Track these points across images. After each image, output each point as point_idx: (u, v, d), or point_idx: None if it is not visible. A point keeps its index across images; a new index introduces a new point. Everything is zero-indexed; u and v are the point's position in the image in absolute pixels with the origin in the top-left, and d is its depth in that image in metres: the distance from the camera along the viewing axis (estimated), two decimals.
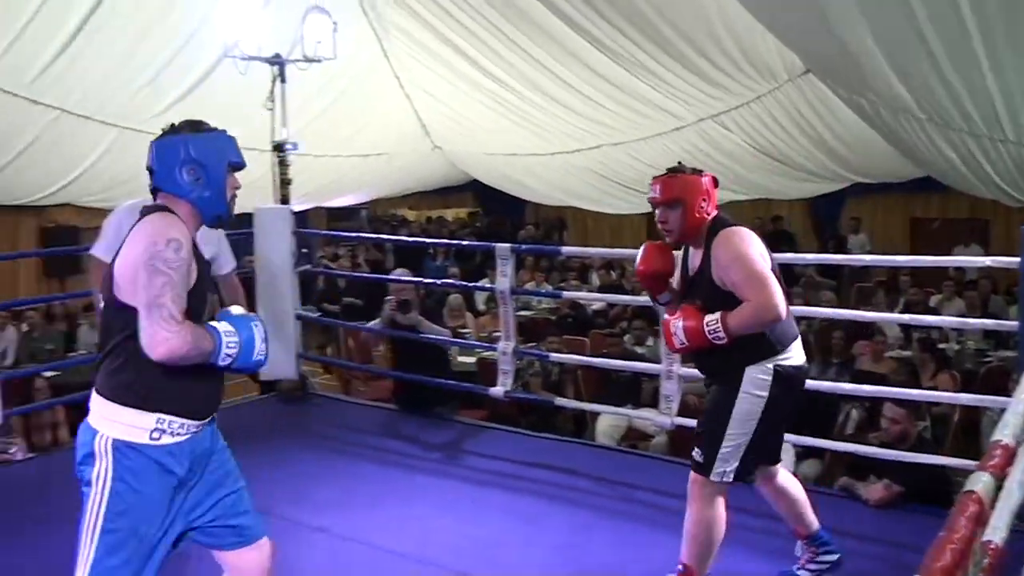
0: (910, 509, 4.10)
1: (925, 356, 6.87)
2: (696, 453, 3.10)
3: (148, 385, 2.22)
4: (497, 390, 5.25)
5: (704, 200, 3.07)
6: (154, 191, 2.38)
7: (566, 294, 7.97)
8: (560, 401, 5.76)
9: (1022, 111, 6.95)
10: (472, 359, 7.58)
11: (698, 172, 3.16)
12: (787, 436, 4.41)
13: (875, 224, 13.85)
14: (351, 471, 4.76)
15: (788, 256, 5.61)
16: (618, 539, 3.86)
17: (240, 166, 2.43)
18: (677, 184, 3.10)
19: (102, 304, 2.36)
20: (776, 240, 12.93)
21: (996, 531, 1.72)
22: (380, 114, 11.70)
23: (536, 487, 4.47)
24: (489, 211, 17.01)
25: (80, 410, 2.37)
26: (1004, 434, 1.57)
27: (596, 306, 9.62)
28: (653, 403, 5.26)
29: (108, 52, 8.43)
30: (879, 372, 6.57)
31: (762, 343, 2.98)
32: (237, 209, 2.54)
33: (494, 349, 5.43)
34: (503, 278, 5.19)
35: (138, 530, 2.22)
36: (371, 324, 6.22)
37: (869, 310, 7.71)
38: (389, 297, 5.84)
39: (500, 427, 5.60)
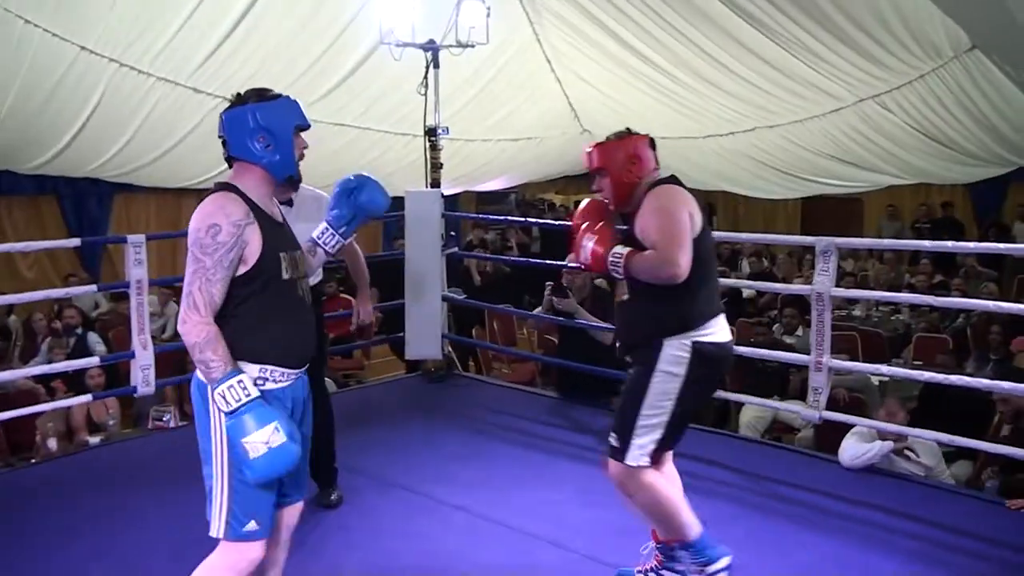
0: None
1: None
2: (612, 438, 3.00)
3: (250, 340, 2.43)
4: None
5: (632, 163, 3.02)
6: (228, 159, 2.55)
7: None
8: None
9: None
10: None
11: (632, 135, 3.12)
12: (938, 435, 4.24)
13: None
14: (494, 452, 4.83)
15: (948, 244, 5.30)
16: (756, 534, 3.77)
17: (305, 127, 2.59)
18: (599, 152, 3.09)
19: None
20: (945, 228, 12.40)
21: None
22: (530, 98, 11.75)
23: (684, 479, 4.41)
24: None
25: None
26: None
27: (746, 294, 9.42)
28: (800, 395, 5.12)
29: (268, 41, 8.75)
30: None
31: (679, 316, 2.90)
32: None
33: None
34: None
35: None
36: (536, 311, 6.20)
37: None
38: (550, 283, 5.82)
39: None
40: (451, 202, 6.46)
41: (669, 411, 2.94)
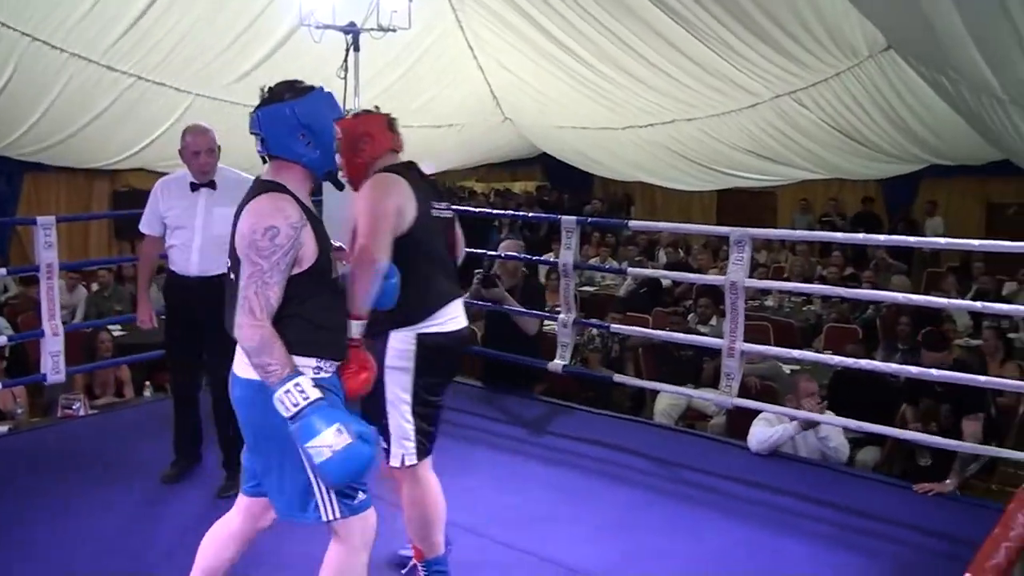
0: (964, 501, 4.04)
1: (994, 344, 6.63)
2: (381, 440, 2.93)
3: (311, 336, 2.41)
4: (555, 364, 5.23)
5: (364, 142, 2.98)
6: (264, 156, 2.49)
7: (631, 270, 7.88)
8: (619, 378, 5.69)
9: None
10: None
11: (369, 114, 3.09)
12: (846, 421, 4.36)
13: (950, 208, 13.47)
14: None
15: (859, 237, 5.45)
16: (668, 520, 3.84)
17: (340, 118, 2.58)
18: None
19: (230, 272, 2.45)
20: (863, 222, 12.77)
21: None
22: (452, 85, 11.70)
23: (590, 464, 4.46)
24: (557, 185, 16.96)
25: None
26: None
27: (663, 283, 9.53)
28: (714, 383, 5.20)
29: (185, 19, 8.55)
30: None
31: (402, 310, 2.82)
32: None
33: (554, 319, 5.39)
34: (567, 251, 5.16)
35: None
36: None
37: (939, 296, 7.47)
38: (479, 271, 5.80)
39: (557, 402, 5.55)
40: None
41: (410, 406, 2.91)
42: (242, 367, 2.42)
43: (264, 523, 2.71)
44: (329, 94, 2.53)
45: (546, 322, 5.81)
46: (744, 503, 4.00)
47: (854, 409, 4.63)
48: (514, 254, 5.89)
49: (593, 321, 6.16)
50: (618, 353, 7.20)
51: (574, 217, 5.24)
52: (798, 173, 11.87)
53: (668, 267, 10.39)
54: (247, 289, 2.30)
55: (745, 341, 4.63)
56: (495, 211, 10.64)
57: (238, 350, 2.41)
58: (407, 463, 2.94)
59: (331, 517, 2.44)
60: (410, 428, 2.92)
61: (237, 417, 2.50)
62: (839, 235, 6.80)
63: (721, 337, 4.76)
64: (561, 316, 5.28)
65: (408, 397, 2.90)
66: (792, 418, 4.57)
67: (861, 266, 10.48)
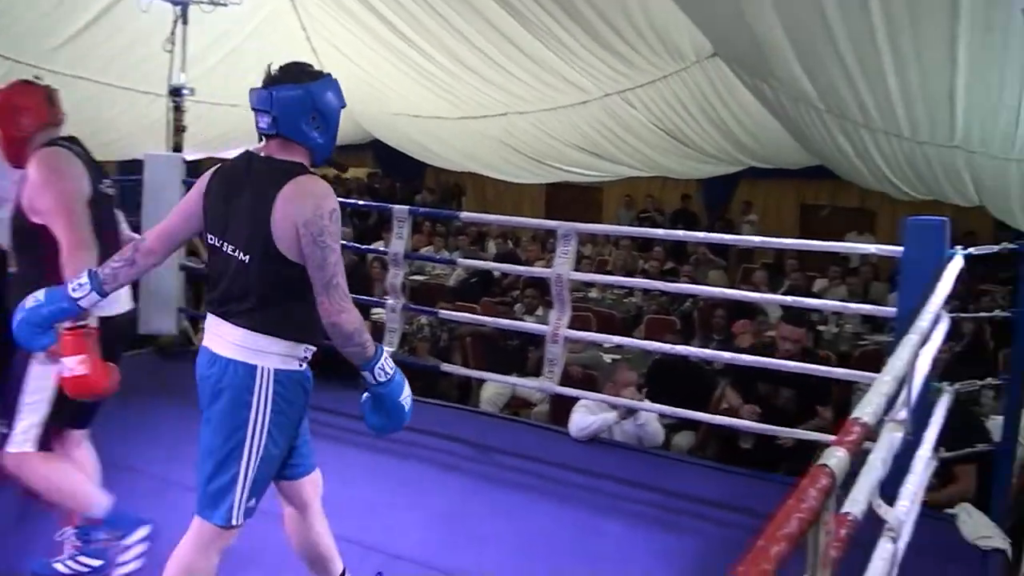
0: (777, 481, 4.29)
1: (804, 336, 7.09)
2: (2, 425, 2.88)
3: (304, 320, 2.45)
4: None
5: (23, 115, 2.85)
6: (267, 135, 2.47)
7: (461, 261, 7.94)
8: (446, 367, 5.74)
9: (919, 111, 7.23)
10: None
11: (24, 83, 2.95)
12: (661, 408, 4.55)
13: (766, 208, 14.30)
14: None
15: (680, 233, 5.71)
16: (494, 505, 3.92)
17: (344, 107, 2.59)
18: None
19: (237, 252, 2.41)
20: (682, 218, 13.33)
21: (855, 504, 1.81)
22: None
23: (416, 452, 4.49)
24: (388, 172, 16.86)
25: None
26: (865, 412, 1.63)
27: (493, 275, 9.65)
28: (538, 372, 5.32)
29: None
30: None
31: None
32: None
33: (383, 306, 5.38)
34: (399, 240, 5.15)
35: (280, 446, 2.51)
36: None
37: (750, 290, 7.91)
38: None
39: None
40: (193, 169, 6.16)
41: (49, 393, 2.84)
42: (232, 349, 2.41)
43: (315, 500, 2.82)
44: (336, 82, 2.55)
45: (374, 310, 5.79)
46: (566, 487, 4.14)
47: (671, 396, 4.83)
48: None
49: (421, 307, 6.18)
50: (446, 342, 7.26)
51: (406, 207, 5.24)
52: (624, 170, 12.22)
53: (497, 258, 10.55)
54: (334, 275, 2.35)
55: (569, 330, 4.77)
56: None
57: (231, 333, 2.40)
58: (24, 448, 2.86)
59: (237, 521, 2.46)
60: (40, 415, 2.86)
61: (206, 397, 2.48)
62: (659, 231, 7.10)
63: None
64: (389, 302, 5.28)
65: (49, 383, 2.82)
66: (612, 406, 4.75)
67: (681, 261, 10.94)
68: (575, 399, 4.90)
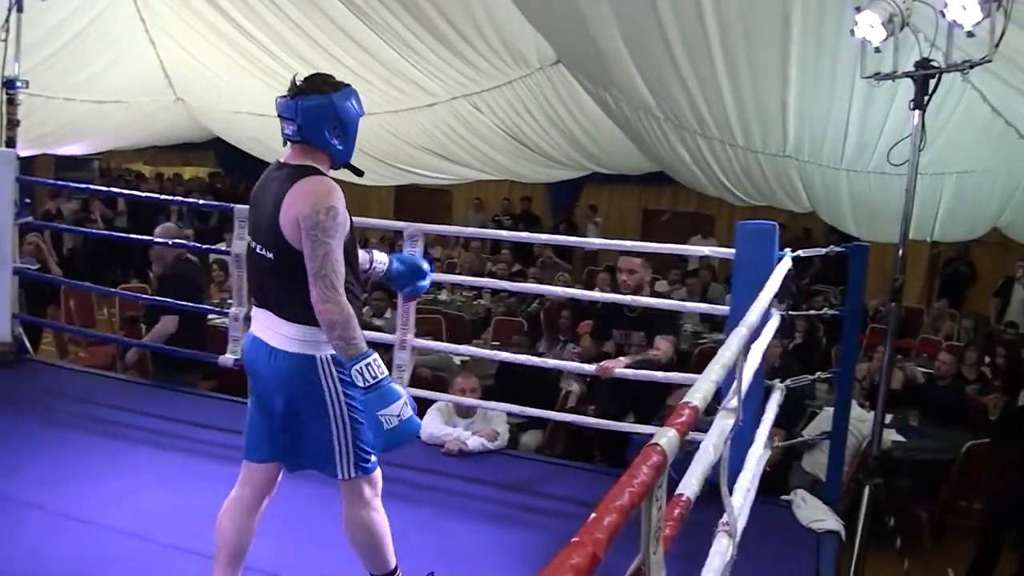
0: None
1: None
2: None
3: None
4: (226, 358, 5.10)
5: None
6: (291, 141, 2.72)
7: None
8: None
9: (752, 121, 7.63)
10: None
11: None
12: (511, 407, 4.65)
13: (610, 212, 14.75)
14: (70, 443, 4.49)
15: (525, 235, 5.84)
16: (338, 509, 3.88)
17: (362, 115, 2.82)
18: None
19: (264, 251, 2.68)
20: (524, 221, 13.55)
21: (688, 487, 1.92)
22: (121, 58, 10.96)
23: None
24: (231, 172, 16.47)
25: None
26: (695, 397, 1.74)
27: None
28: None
29: None
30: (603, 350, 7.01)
31: None
32: None
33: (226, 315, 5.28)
34: (240, 241, 5.04)
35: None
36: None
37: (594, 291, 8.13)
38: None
39: (230, 398, 5.40)
40: (26, 166, 5.88)
41: None
42: (284, 341, 2.67)
43: (271, 492, 2.98)
44: (356, 92, 2.77)
45: (212, 316, 5.67)
46: (414, 489, 4.14)
47: (518, 395, 4.93)
48: (163, 239, 5.73)
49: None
50: None
51: (247, 207, 5.12)
52: (472, 173, 12.35)
53: None
54: (324, 267, 2.53)
55: (419, 333, 4.81)
56: (164, 197, 10.11)
57: (275, 324, 2.68)
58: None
59: (346, 476, 2.77)
60: None
61: (262, 388, 2.75)
62: (504, 233, 7.26)
63: (395, 329, 4.89)
64: (233, 310, 5.17)
65: None
66: (461, 410, 4.82)
67: (528, 263, 11.14)
68: (427, 401, 4.93)
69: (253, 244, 2.75)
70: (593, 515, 1.10)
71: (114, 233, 9.82)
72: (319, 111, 2.66)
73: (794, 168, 8.49)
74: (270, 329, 2.71)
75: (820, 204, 9.55)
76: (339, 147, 2.73)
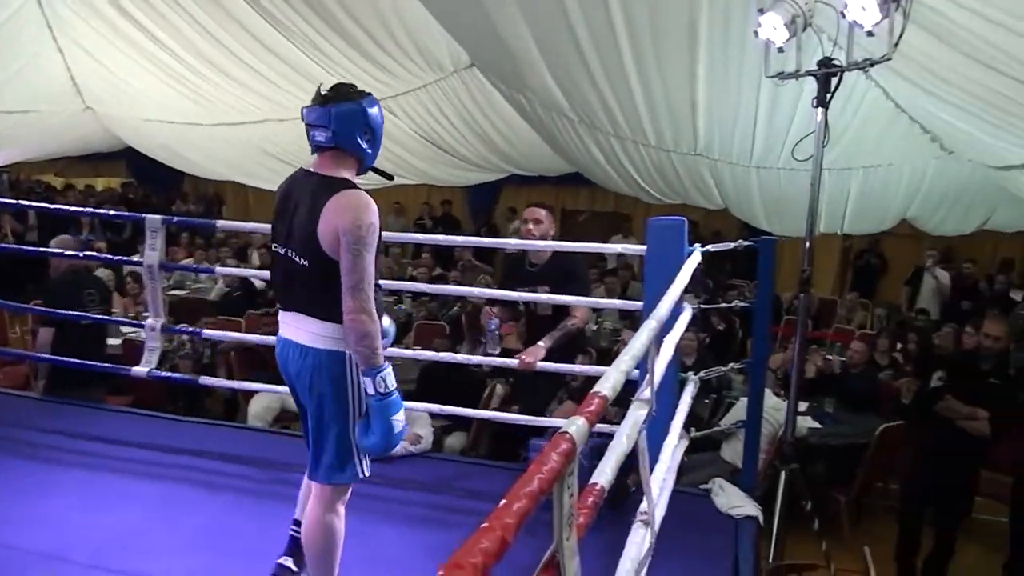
0: None
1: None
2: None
3: None
4: (140, 369, 5.00)
5: None
6: (322, 147, 2.81)
7: (219, 270, 7.68)
8: (205, 380, 5.37)
9: (663, 121, 7.78)
10: (118, 340, 7.21)
11: None
12: (432, 407, 4.66)
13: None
14: None
15: (442, 238, 5.86)
16: (264, 519, 3.84)
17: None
18: None
19: (299, 258, 2.78)
20: (444, 224, 13.57)
21: (602, 475, 1.98)
22: (28, 67, 10.71)
23: (180, 473, 4.35)
24: (143, 182, 16.15)
25: None
26: (604, 386, 1.79)
27: (258, 285, 9.48)
28: None
29: None
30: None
31: None
32: None
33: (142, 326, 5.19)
34: (152, 252, 4.96)
35: None
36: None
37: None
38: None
39: (146, 413, 5.35)
40: None
41: None
42: (316, 339, 2.79)
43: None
44: (377, 100, 2.90)
45: (125, 329, 5.55)
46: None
47: (441, 397, 4.95)
48: (62, 250, 5.63)
49: (183, 328, 5.98)
50: (210, 358, 7.08)
51: (159, 216, 5.06)
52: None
53: (263, 269, 10.35)
54: (361, 281, 2.66)
55: None
56: (74, 208, 9.85)
57: (306, 324, 2.79)
58: None
59: (364, 475, 2.89)
60: None
61: (299, 390, 2.89)
62: (420, 236, 7.28)
63: None
64: (149, 321, 5.08)
65: None
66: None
67: (449, 267, 11.17)
68: None
69: (283, 250, 2.84)
70: (503, 501, 1.14)
71: (23, 247, 9.58)
72: (352, 117, 2.77)
73: (705, 166, 8.69)
74: (301, 329, 2.83)
75: (732, 201, 9.79)
76: (368, 151, 2.85)
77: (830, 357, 7.98)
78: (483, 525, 1.07)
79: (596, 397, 1.68)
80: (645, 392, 2.42)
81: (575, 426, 1.44)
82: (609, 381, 1.82)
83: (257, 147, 11.94)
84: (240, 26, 8.83)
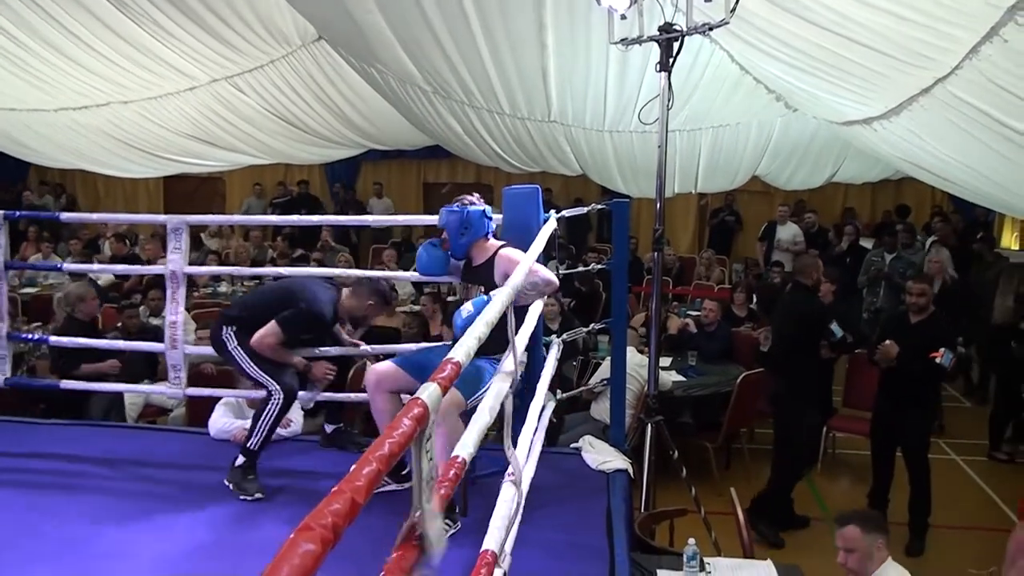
0: None
1: (432, 308, 7.60)
2: None
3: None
4: None
5: None
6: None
7: (66, 267, 7.37)
8: (66, 384, 5.26)
9: (516, 89, 7.88)
10: None
11: None
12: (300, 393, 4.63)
13: (389, 188, 14.83)
14: None
15: (295, 218, 5.81)
16: (133, 519, 3.77)
17: None
18: None
19: None
20: (303, 204, 13.41)
21: (464, 448, 2.06)
22: None
23: (44, 478, 4.23)
24: None
25: None
26: (458, 353, 1.86)
27: (104, 280, 9.21)
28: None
29: None
30: (392, 327, 7.13)
31: None
32: None
33: None
34: None
35: None
36: None
37: (381, 269, 8.22)
38: None
39: (8, 419, 5.12)
40: None
41: None
42: None
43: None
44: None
45: None
46: (209, 490, 4.08)
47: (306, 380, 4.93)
48: None
49: (30, 336, 5.73)
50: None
51: (15, 212, 4.86)
52: (242, 158, 12.07)
53: (113, 260, 10.06)
54: None
55: (198, 327, 4.72)
56: None
57: None
58: None
59: None
60: None
61: None
62: (274, 218, 7.19)
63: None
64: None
65: None
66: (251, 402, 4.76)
67: (310, 247, 11.07)
68: (214, 399, 4.87)
69: None
70: (356, 464, 1.21)
71: None
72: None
73: (561, 133, 8.85)
74: None
75: (589, 166, 10.00)
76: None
77: (691, 314, 8.33)
78: (334, 489, 1.13)
79: (449, 363, 1.76)
80: (507, 362, 2.50)
81: (427, 392, 1.51)
82: (463, 347, 1.89)
83: (102, 132, 11.46)
84: (79, 5, 8.47)
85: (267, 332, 4.11)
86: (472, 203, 4.06)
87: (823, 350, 6.10)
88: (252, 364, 4.16)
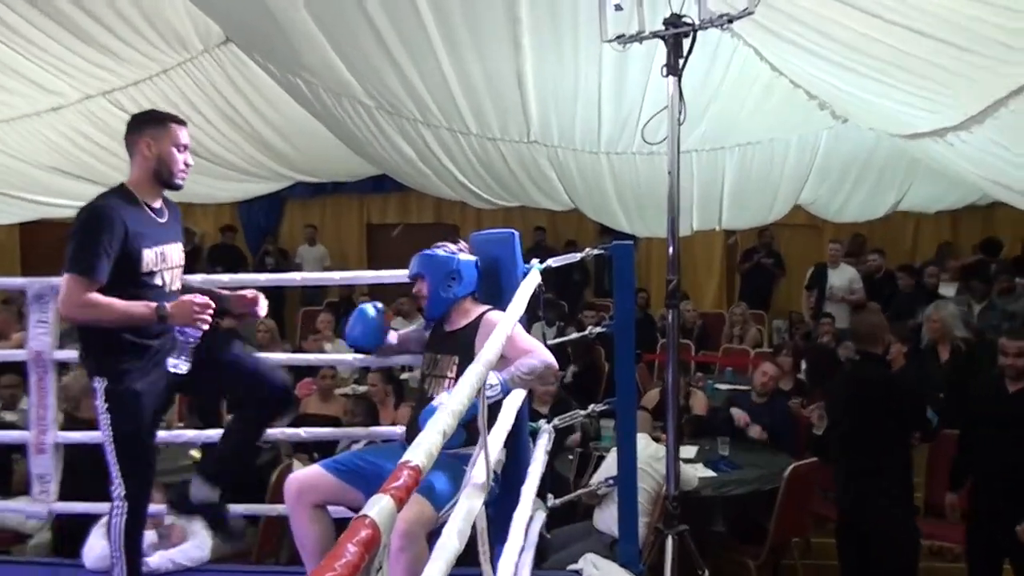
0: None
1: (386, 389, 7.53)
2: None
3: None
4: None
5: None
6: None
7: None
8: None
9: (485, 101, 7.86)
10: None
11: None
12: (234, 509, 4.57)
13: (324, 232, 14.74)
14: None
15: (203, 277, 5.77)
16: None
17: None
18: None
19: None
20: (222, 256, 13.33)
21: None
22: None
23: None
24: None
25: None
26: (416, 455, 1.82)
27: None
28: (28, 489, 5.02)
29: None
30: (329, 414, 7.11)
31: None
32: None
33: None
34: None
35: None
36: None
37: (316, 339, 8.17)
38: None
39: None
40: None
41: None
42: None
43: None
44: None
45: None
46: None
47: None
48: None
49: None
50: None
51: None
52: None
53: None
54: None
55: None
56: None
57: None
58: None
59: None
60: None
61: None
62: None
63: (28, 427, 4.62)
64: None
65: None
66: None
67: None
68: (91, 516, 4.78)
69: None
70: None
71: None
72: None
73: (543, 156, 8.84)
74: None
75: (581, 198, 9.99)
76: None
77: (739, 388, 8.22)
78: None
79: (406, 468, 1.72)
80: (478, 467, 2.47)
81: (377, 507, 1.49)
82: (422, 448, 1.85)
83: None
84: None
85: (65, 290, 3.73)
86: (461, 250, 4.06)
87: (913, 440, 5.98)
88: (111, 439, 3.64)
